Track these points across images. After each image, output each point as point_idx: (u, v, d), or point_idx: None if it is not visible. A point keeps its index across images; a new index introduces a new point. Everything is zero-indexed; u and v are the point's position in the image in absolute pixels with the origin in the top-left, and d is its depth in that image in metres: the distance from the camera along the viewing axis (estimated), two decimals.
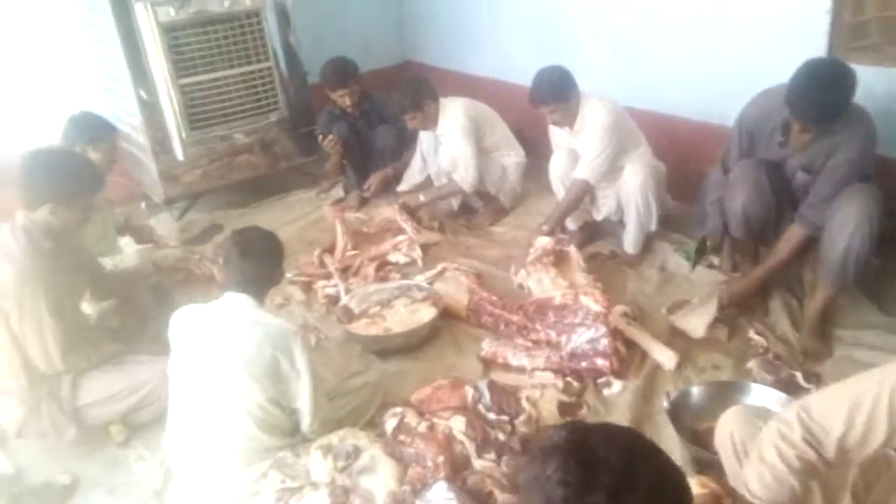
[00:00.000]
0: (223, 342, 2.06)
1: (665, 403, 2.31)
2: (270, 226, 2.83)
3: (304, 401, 2.14)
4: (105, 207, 3.26)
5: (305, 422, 2.18)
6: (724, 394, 2.29)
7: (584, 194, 3.35)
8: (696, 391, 2.32)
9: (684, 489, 0.97)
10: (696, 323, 2.75)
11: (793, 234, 2.65)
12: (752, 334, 2.72)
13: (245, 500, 2.12)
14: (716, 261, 3.23)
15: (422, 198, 3.97)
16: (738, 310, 2.81)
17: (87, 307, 2.81)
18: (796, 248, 2.67)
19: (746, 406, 1.92)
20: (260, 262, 2.14)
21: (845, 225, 2.43)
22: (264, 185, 4.55)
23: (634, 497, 0.89)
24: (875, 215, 2.41)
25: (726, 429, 1.66)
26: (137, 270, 3.25)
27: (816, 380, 2.44)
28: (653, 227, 3.36)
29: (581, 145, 3.30)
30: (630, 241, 3.39)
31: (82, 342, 2.37)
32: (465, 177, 3.79)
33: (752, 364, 2.55)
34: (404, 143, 4.29)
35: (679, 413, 2.26)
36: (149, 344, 2.62)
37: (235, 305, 2.12)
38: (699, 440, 2.15)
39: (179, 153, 4.02)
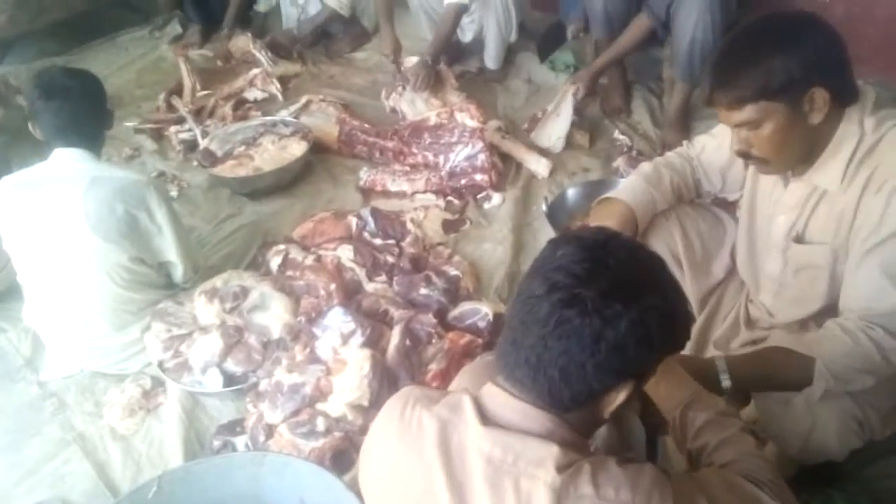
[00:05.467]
0: (62, 207, 1.81)
1: (543, 207, 2.39)
2: (101, 72, 2.48)
3: (171, 253, 2.00)
4: None
5: (178, 272, 2.06)
6: (596, 191, 2.36)
7: (460, 18, 3.11)
8: (570, 192, 2.40)
9: (670, 339, 0.92)
10: (554, 136, 2.80)
11: (637, 24, 2.65)
12: (616, 134, 2.83)
13: (128, 360, 2.03)
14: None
15: (295, 32, 3.65)
16: (603, 114, 2.88)
17: None
18: (638, 39, 2.67)
19: None
20: (71, 103, 1.82)
21: (689, 16, 2.45)
22: (86, 27, 3.99)
23: (621, 313, 0.84)
24: (717, 4, 2.41)
25: None
26: None
27: None
28: (513, 37, 3.27)
29: None
30: (491, 56, 3.30)
31: None
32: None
33: (618, 162, 2.67)
34: None
35: (556, 215, 2.35)
36: None
37: (67, 163, 1.85)
38: None
39: None
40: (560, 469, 0.84)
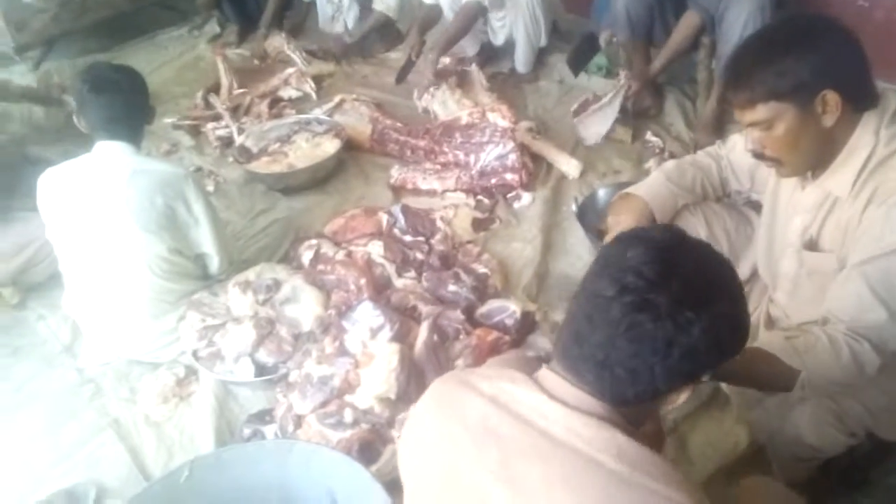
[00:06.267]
0: (105, 198, 1.87)
1: (573, 207, 2.39)
2: (141, 70, 2.50)
3: (208, 245, 2.05)
4: None
5: (214, 264, 2.11)
6: None
7: (475, 18, 3.17)
8: (601, 193, 2.39)
9: (738, 343, 0.93)
10: (594, 130, 2.80)
11: (686, 22, 2.67)
12: (649, 136, 2.82)
13: (164, 349, 2.08)
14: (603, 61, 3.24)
15: (347, 39, 3.73)
16: (636, 115, 2.88)
17: None
18: (687, 36, 2.69)
19: None
20: (119, 96, 1.88)
21: (738, 17, 2.45)
22: (127, 26, 4.09)
23: (694, 319, 0.83)
24: (767, 5, 2.42)
25: None
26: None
27: None
28: (543, 42, 3.29)
29: None
30: (521, 60, 3.32)
31: None
32: (388, 2, 3.57)
33: (649, 164, 2.65)
34: None
35: (586, 215, 2.34)
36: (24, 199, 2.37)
37: (110, 155, 1.91)
38: (604, 237, 2.26)
39: None
40: (621, 456, 0.84)
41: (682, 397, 0.90)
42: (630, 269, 0.86)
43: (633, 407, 0.89)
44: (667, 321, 0.83)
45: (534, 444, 0.87)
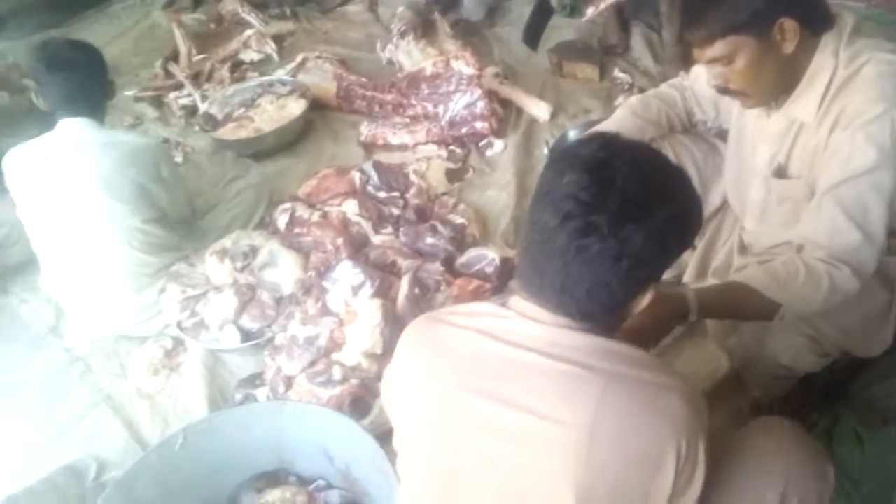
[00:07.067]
0: (76, 173, 1.87)
1: (545, 151, 2.39)
2: (97, 43, 2.44)
3: (173, 208, 2.09)
4: None
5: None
6: None
7: None
8: (572, 134, 2.39)
9: (688, 240, 0.98)
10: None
11: None
12: (616, 72, 2.80)
13: (148, 322, 2.09)
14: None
15: None
16: (604, 52, 2.86)
17: None
18: None
19: None
20: (76, 73, 1.88)
21: None
22: None
23: (635, 230, 0.87)
24: None
25: None
26: None
27: None
28: None
29: None
30: (470, 8, 3.26)
31: None
32: None
33: (619, 101, 2.63)
34: None
35: None
36: None
37: (75, 131, 1.90)
38: None
39: None
40: (608, 355, 0.90)
41: (645, 300, 0.95)
42: (569, 195, 0.89)
43: (601, 319, 0.94)
44: (610, 239, 0.87)
45: (526, 362, 0.92)
